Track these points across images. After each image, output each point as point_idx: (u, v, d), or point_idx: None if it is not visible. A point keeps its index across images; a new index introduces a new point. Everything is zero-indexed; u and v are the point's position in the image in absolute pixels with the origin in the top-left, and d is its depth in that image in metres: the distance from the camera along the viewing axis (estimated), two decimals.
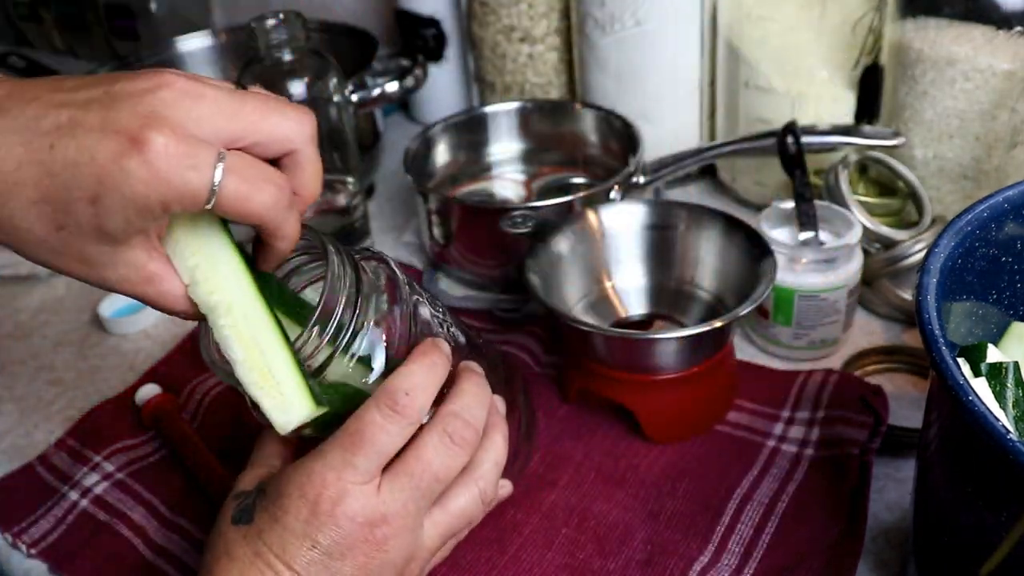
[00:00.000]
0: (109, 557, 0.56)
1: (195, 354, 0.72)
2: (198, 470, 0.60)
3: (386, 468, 0.42)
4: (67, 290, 0.84)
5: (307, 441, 0.44)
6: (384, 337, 0.42)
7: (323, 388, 0.41)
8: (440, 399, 0.44)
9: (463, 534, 0.48)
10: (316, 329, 0.39)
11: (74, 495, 0.60)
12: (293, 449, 0.47)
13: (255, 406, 0.44)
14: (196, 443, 0.62)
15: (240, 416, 0.65)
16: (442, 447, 0.43)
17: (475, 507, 0.46)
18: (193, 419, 0.66)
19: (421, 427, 0.43)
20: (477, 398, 0.45)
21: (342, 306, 0.40)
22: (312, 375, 0.40)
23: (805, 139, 0.69)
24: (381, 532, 0.41)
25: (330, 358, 0.40)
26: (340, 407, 0.42)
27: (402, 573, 0.43)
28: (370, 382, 0.42)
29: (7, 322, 0.81)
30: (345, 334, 0.40)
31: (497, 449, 0.47)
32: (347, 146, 0.76)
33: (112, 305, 0.79)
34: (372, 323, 0.42)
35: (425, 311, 0.45)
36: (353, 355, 0.41)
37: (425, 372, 0.42)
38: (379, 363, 0.42)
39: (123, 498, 0.60)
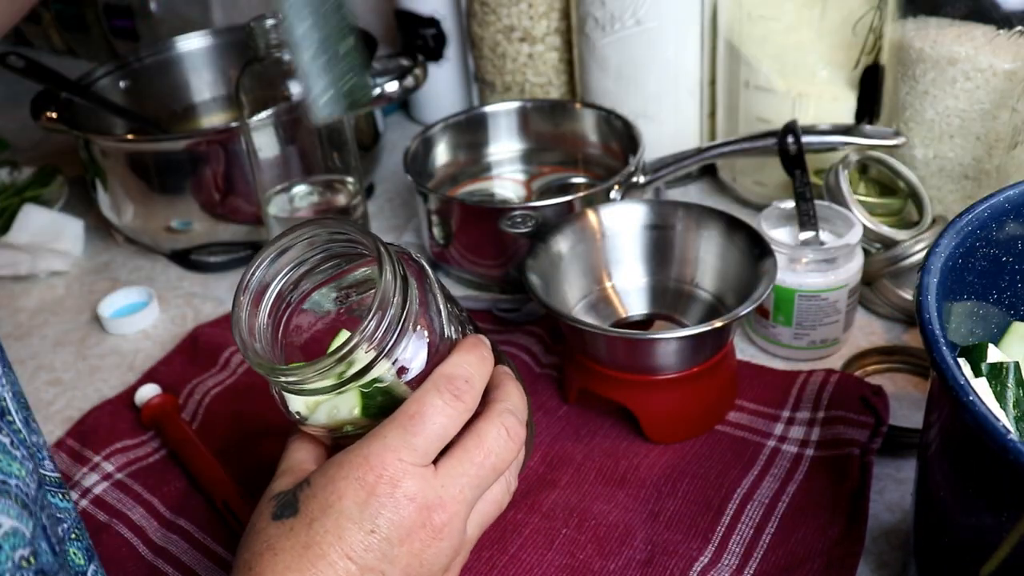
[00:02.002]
0: (109, 557, 0.56)
1: (195, 354, 0.72)
2: (198, 470, 0.60)
3: (441, 454, 0.42)
4: (67, 290, 0.84)
5: (342, 442, 0.43)
6: (427, 335, 0.42)
7: (364, 388, 0.41)
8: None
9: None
10: (371, 326, 0.39)
11: (73, 495, 0.60)
12: (327, 452, 0.46)
13: (285, 405, 0.43)
14: (196, 443, 0.62)
15: (240, 416, 0.65)
16: (501, 439, 0.43)
17: (505, 496, 0.45)
18: (193, 419, 0.66)
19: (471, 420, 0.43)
20: (523, 399, 0.46)
21: (393, 308, 0.39)
22: (354, 377, 0.40)
23: (805, 139, 0.69)
24: (439, 518, 0.40)
25: (376, 359, 0.40)
26: (379, 406, 0.42)
27: (447, 567, 0.42)
28: (407, 380, 0.42)
29: (7, 322, 0.81)
30: (392, 335, 0.40)
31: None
32: (347, 146, 0.76)
33: (112, 305, 0.79)
34: (413, 324, 0.42)
35: (445, 305, 0.45)
36: (396, 359, 0.41)
37: (479, 363, 0.43)
38: (419, 361, 0.42)
39: (123, 498, 0.60)
